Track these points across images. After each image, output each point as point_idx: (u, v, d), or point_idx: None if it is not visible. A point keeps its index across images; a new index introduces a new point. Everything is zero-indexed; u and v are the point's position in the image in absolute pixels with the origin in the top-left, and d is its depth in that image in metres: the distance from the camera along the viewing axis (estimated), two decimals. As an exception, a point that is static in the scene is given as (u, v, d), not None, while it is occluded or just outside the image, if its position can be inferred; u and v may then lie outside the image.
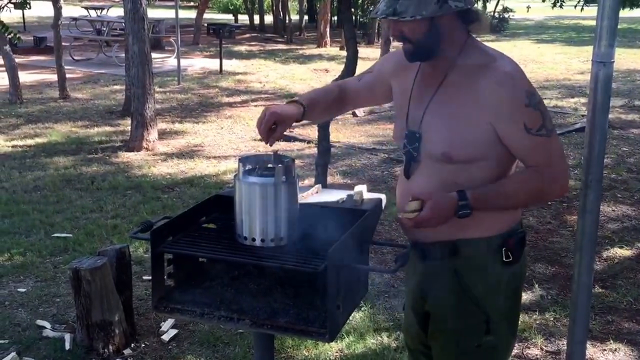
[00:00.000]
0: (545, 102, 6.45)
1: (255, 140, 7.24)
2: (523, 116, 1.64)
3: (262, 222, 1.82)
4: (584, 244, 2.15)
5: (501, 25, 20.63)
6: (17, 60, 9.13)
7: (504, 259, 1.76)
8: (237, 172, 1.88)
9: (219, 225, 2.04)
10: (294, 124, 1.92)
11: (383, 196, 2.12)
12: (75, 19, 14.72)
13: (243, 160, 1.87)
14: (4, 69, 9.03)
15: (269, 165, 1.88)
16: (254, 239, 1.83)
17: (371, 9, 12.59)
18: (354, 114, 8.47)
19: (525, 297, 3.69)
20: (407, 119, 1.81)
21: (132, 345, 3.15)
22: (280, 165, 1.83)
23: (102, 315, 3.04)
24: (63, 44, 9.57)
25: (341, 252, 1.71)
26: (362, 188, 2.08)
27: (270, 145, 1.82)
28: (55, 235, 4.47)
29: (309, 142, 6.92)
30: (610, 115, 2.09)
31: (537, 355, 3.16)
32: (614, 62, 2.03)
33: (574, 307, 2.21)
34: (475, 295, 1.76)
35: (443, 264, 1.79)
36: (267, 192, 1.80)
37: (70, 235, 4.47)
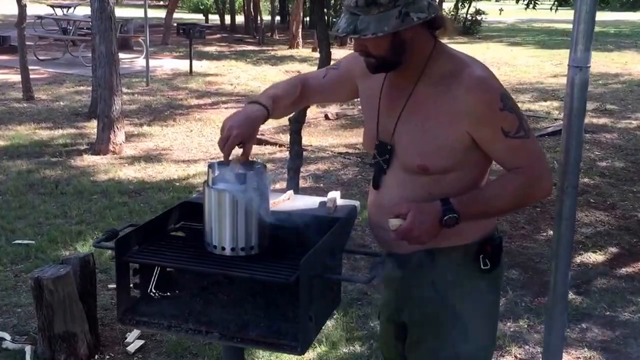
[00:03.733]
0: (519, 105, 6.48)
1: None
2: (500, 120, 1.61)
3: (232, 230, 1.75)
4: (560, 252, 2.13)
5: (474, 28, 20.88)
6: (-22, 60, 8.86)
7: (482, 266, 1.74)
8: (206, 179, 1.81)
9: (187, 233, 1.96)
10: None
11: (357, 203, 2.06)
12: (40, 17, 14.38)
13: (212, 166, 1.79)
14: (-35, 69, 8.75)
15: (240, 172, 1.80)
16: (223, 248, 1.76)
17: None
18: (326, 117, 8.42)
19: (499, 303, 3.67)
20: (377, 129, 1.78)
21: (96, 357, 3.03)
22: (251, 171, 1.76)
23: (64, 327, 2.92)
24: (27, 43, 9.31)
25: (314, 262, 1.66)
26: (335, 194, 2.02)
27: (245, 163, 1.76)
28: (17, 242, 4.30)
29: (280, 145, 6.84)
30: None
31: (511, 363, 3.14)
32: (590, 66, 2.01)
33: (549, 316, 2.19)
34: (453, 304, 1.74)
35: (420, 274, 1.76)
36: (237, 200, 1.73)
37: (33, 241, 4.30)
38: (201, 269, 1.78)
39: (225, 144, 1.70)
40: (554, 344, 2.18)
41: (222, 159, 1.74)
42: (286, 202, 2.01)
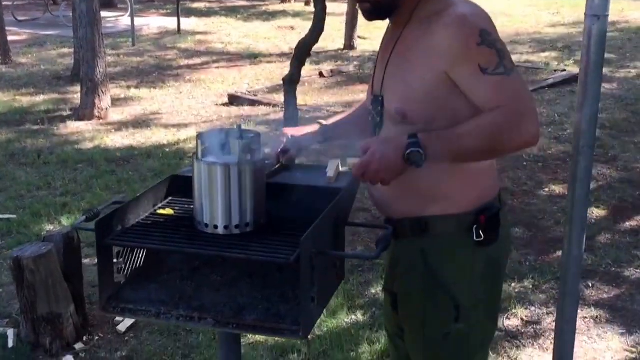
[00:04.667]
0: (517, 57, 6.26)
1: (217, 105, 6.90)
2: (477, 56, 1.45)
3: (225, 207, 1.59)
4: (574, 215, 2.02)
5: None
6: (-48, 22, 8.50)
7: (475, 238, 1.57)
8: (195, 151, 1.63)
9: (176, 210, 1.79)
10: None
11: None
12: (17, -24, 13.85)
13: (202, 136, 1.62)
14: (-62, 32, 8.41)
15: (232, 141, 1.63)
16: (216, 226, 1.61)
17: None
18: (321, 74, 8.16)
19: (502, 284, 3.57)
20: (372, 84, 1.70)
21: (85, 338, 2.91)
22: (244, 141, 1.59)
23: (49, 308, 2.78)
24: (4, 3, 8.98)
25: (315, 239, 1.50)
26: (336, 162, 1.84)
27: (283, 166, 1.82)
28: (-3, 216, 4.14)
29: (274, 106, 6.62)
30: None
31: (517, 326, 3.04)
32: (608, 15, 1.85)
33: (564, 282, 2.09)
34: (442, 279, 1.61)
35: (411, 243, 1.64)
36: (230, 174, 1.57)
37: (14, 216, 4.13)
38: (192, 251, 1.62)
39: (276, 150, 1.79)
40: (568, 311, 2.08)
41: (213, 128, 1.60)
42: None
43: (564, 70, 8.00)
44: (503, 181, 4.67)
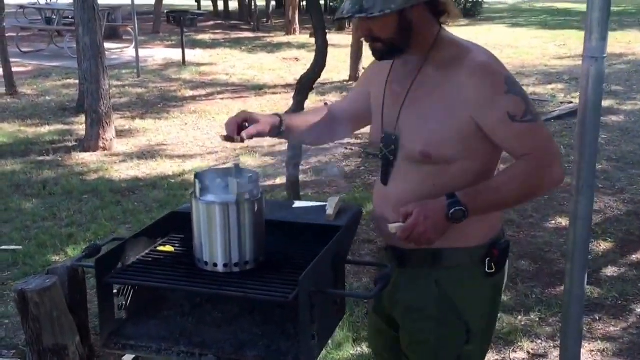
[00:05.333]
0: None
1: (223, 135, 6.94)
2: (505, 104, 1.54)
3: (224, 245, 1.61)
4: (575, 254, 2.01)
5: (475, 10, 20.61)
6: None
7: (487, 269, 1.69)
8: (193, 190, 1.65)
9: (176, 247, 1.80)
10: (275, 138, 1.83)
11: (358, 208, 1.91)
12: (22, 6, 14.06)
13: (199, 176, 1.63)
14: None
15: (230, 180, 1.64)
16: (215, 265, 1.62)
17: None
18: (326, 104, 8.22)
19: (510, 296, 3.55)
20: (382, 121, 1.72)
21: (89, 370, 2.89)
22: (243, 179, 1.60)
23: (54, 340, 2.77)
24: (9, 34, 9.09)
25: (314, 277, 1.51)
26: (335, 200, 1.86)
27: (242, 141, 1.68)
28: (3, 248, 4.14)
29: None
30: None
31: (523, 359, 3.01)
32: (606, 56, 1.87)
33: (566, 319, 2.07)
34: (457, 306, 1.70)
35: (422, 273, 1.71)
36: (228, 212, 1.58)
37: (20, 247, 4.14)
38: (192, 289, 1.64)
39: (231, 120, 1.69)
40: (571, 346, 2.06)
41: (210, 168, 1.63)
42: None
43: (571, 102, 8.02)
44: (509, 213, 4.66)
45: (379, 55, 1.65)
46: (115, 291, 1.66)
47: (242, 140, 1.66)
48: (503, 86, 1.54)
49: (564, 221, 4.51)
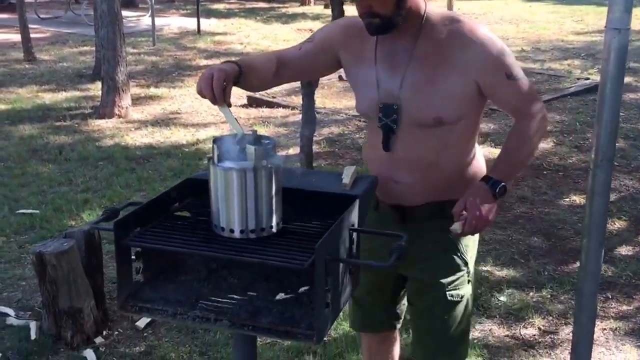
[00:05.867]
0: (538, 64, 6.22)
1: (236, 106, 6.92)
2: (503, 66, 1.75)
3: (241, 211, 1.60)
4: (592, 228, 2.00)
5: (491, -18, 20.17)
6: (-22, 19, 8.63)
7: None
8: (210, 155, 1.64)
9: (193, 213, 1.80)
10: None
11: (374, 177, 1.90)
12: (41, -26, 14.02)
13: (218, 141, 1.63)
14: (-36, 29, 8.55)
15: (248, 146, 1.64)
16: (232, 230, 1.61)
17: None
18: (340, 78, 8.14)
19: (521, 272, 3.55)
20: (378, 93, 1.81)
21: (104, 333, 2.94)
22: (261, 146, 1.59)
23: (70, 302, 2.82)
24: (27, 0, 9.05)
25: (330, 245, 1.51)
26: (351, 169, 1.85)
27: (229, 106, 1.66)
28: (21, 211, 4.20)
29: (292, 108, 6.63)
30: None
31: (534, 335, 3.02)
32: (629, 28, 1.83)
33: (580, 295, 2.07)
34: (460, 249, 1.90)
35: (429, 225, 1.87)
36: (246, 179, 1.57)
37: (37, 211, 4.19)
38: (209, 254, 1.64)
39: (212, 84, 1.61)
40: (585, 323, 2.06)
41: (229, 133, 1.62)
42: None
43: (588, 78, 7.89)
44: (522, 189, 4.63)
45: (374, 30, 1.74)
46: (132, 256, 1.68)
47: (230, 105, 1.66)
48: (498, 48, 1.74)
49: (578, 199, 4.48)
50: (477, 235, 1.94)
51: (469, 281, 1.95)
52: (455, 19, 1.79)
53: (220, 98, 1.63)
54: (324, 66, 1.96)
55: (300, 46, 1.95)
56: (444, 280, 1.90)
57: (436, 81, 1.75)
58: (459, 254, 1.91)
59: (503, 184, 1.72)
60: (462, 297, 1.93)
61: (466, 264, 1.93)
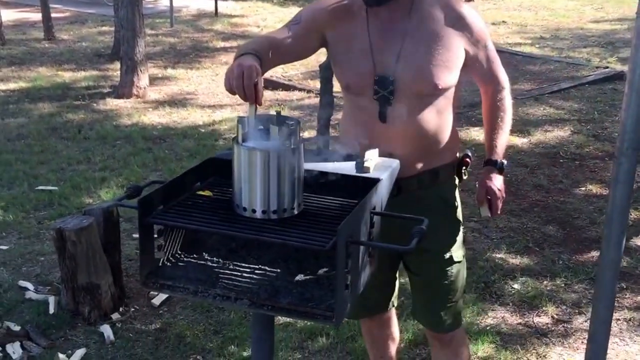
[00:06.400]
0: (557, 52, 6.14)
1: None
2: (484, 36, 1.92)
3: (263, 192, 1.61)
4: (614, 217, 1.98)
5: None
6: (-1, -3, 8.68)
7: (464, 177, 2.06)
8: (235, 135, 1.65)
9: (214, 192, 1.82)
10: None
11: (397, 161, 1.90)
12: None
13: (242, 121, 1.63)
14: (-15, 7, 8.60)
15: (272, 127, 1.64)
16: (254, 211, 1.62)
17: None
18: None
19: (536, 261, 3.55)
20: (374, 65, 1.85)
21: (121, 309, 2.99)
22: (284, 127, 1.60)
23: (88, 278, 2.87)
24: (48, -20, 9.09)
25: (351, 227, 1.52)
26: (373, 153, 1.85)
27: (260, 104, 1.64)
28: (40, 188, 4.25)
29: (309, 91, 6.62)
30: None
31: (547, 323, 3.02)
32: None
33: (599, 284, 2.06)
34: (456, 212, 2.05)
35: (424, 193, 1.96)
36: (269, 159, 1.58)
37: (56, 188, 4.25)
38: (232, 233, 1.64)
39: (243, 82, 1.59)
40: (602, 313, 2.06)
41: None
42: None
43: (607, 67, 7.80)
44: (538, 177, 4.61)
45: (374, 2, 1.81)
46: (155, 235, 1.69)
47: (261, 104, 1.64)
48: (481, 20, 1.92)
49: (594, 188, 4.45)
50: (459, 196, 2.11)
51: (464, 241, 2.11)
52: None
53: (252, 98, 1.61)
54: (312, 48, 1.96)
55: (289, 29, 1.92)
56: (448, 245, 2.02)
57: (431, 51, 1.84)
58: (455, 216, 2.05)
59: (504, 161, 2.01)
60: (463, 256, 2.08)
61: (461, 223, 2.07)
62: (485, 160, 2.03)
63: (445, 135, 1.95)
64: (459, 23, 1.88)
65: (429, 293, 2.11)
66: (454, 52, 1.87)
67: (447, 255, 2.03)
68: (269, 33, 2.03)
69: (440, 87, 1.87)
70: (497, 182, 2.01)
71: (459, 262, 2.06)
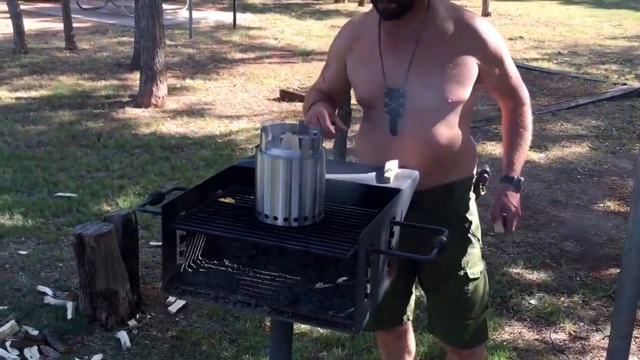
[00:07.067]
0: (575, 68, 6.13)
1: (269, 99, 6.99)
2: (501, 51, 1.89)
3: (285, 199, 1.62)
4: (635, 232, 1.96)
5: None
6: (21, 7, 8.85)
7: (481, 192, 2.04)
8: (258, 143, 1.67)
9: (236, 199, 1.83)
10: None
11: (417, 172, 1.91)
12: (83, -35, 14.30)
13: (265, 129, 1.65)
14: (8, 16, 8.75)
15: (295, 136, 1.66)
16: (275, 218, 1.64)
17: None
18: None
19: (553, 277, 3.52)
20: (384, 79, 1.88)
21: (137, 315, 3.00)
22: (306, 137, 1.62)
23: (106, 284, 2.89)
24: (70, -9, 9.26)
25: (372, 236, 1.53)
26: (393, 164, 1.86)
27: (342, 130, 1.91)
28: (59, 194, 4.30)
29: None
30: None
31: (564, 340, 3.00)
32: None
33: (619, 299, 2.04)
34: (471, 228, 2.01)
35: (439, 208, 1.93)
36: (291, 167, 1.60)
37: (75, 195, 4.29)
38: (255, 240, 1.65)
39: (322, 119, 1.84)
40: (622, 327, 2.04)
41: (275, 122, 1.66)
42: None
43: (625, 84, 7.76)
44: (556, 193, 4.59)
45: (390, 14, 1.82)
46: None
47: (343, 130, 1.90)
48: (497, 35, 1.89)
49: (612, 205, 4.42)
50: (476, 208, 2.08)
51: (482, 256, 2.06)
52: (457, 8, 1.91)
53: (330, 132, 1.86)
54: (346, 80, 2.05)
55: (323, 76, 2.08)
56: (463, 261, 1.99)
57: (442, 65, 1.84)
58: (470, 233, 2.01)
59: (521, 178, 1.99)
60: (481, 272, 2.03)
61: (478, 240, 2.04)
62: (502, 177, 2.01)
63: (459, 150, 1.94)
64: (472, 37, 1.86)
65: (443, 309, 2.09)
66: (466, 66, 1.86)
67: (462, 273, 2.00)
68: (312, 87, 2.14)
69: (450, 100, 1.86)
70: (514, 199, 1.99)
71: (476, 278, 2.02)
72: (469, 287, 2.02)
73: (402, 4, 1.80)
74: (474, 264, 2.02)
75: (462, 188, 1.99)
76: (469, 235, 2.02)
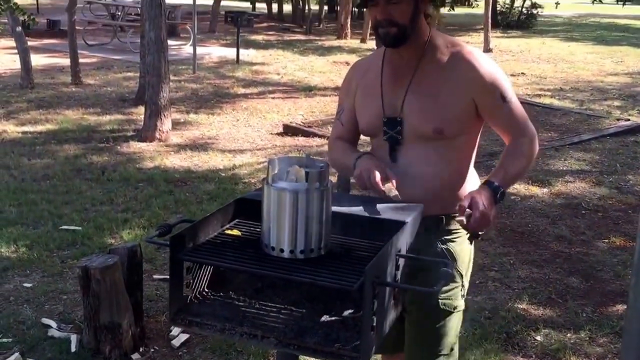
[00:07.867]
0: (577, 104, 6.19)
1: (272, 134, 7.05)
2: (498, 88, 1.87)
3: (291, 231, 1.64)
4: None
5: (529, 22, 20.29)
6: (29, 43, 8.99)
7: (480, 233, 1.93)
8: (265, 176, 1.69)
9: (242, 232, 1.85)
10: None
11: (421, 206, 1.93)
12: (89, 2, 14.60)
13: (272, 162, 1.67)
14: (16, 51, 8.90)
15: (301, 169, 1.68)
16: (282, 250, 1.65)
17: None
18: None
19: (559, 313, 3.49)
20: (383, 107, 1.94)
21: (141, 349, 2.98)
22: (313, 169, 1.64)
23: (110, 317, 2.87)
24: (77, 27, 9.42)
25: (378, 268, 1.54)
26: (389, 186, 1.90)
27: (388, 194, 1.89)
28: (64, 227, 4.31)
29: (327, 137, 6.70)
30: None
31: (571, 377, 2.96)
32: None
33: (627, 334, 2.02)
34: (457, 262, 1.98)
35: (429, 237, 1.92)
36: (298, 200, 1.62)
37: (79, 228, 4.30)
38: (261, 272, 1.67)
39: (376, 179, 1.84)
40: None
41: (282, 155, 1.69)
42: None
43: (628, 119, 7.82)
44: (560, 228, 4.58)
45: (390, 40, 1.86)
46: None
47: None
48: (495, 71, 1.87)
49: (617, 240, 4.41)
50: (472, 253, 2.04)
51: (462, 296, 2.01)
52: (457, 43, 1.93)
53: (383, 192, 1.86)
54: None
55: (341, 121, 2.11)
56: (440, 293, 1.91)
57: (436, 96, 1.87)
58: (455, 266, 1.97)
59: (503, 189, 1.82)
60: (454, 308, 1.99)
61: (461, 276, 2.00)
62: (482, 182, 1.86)
63: (454, 185, 1.94)
64: (468, 72, 1.86)
65: (413, 335, 2.07)
66: (461, 100, 1.87)
67: (435, 298, 1.95)
68: (332, 137, 2.17)
69: (442, 132, 1.87)
70: (486, 200, 1.77)
71: (449, 311, 1.98)
72: (437, 317, 1.98)
73: (402, 29, 1.84)
74: (449, 297, 1.98)
75: (451, 223, 1.96)
76: (453, 267, 1.96)
